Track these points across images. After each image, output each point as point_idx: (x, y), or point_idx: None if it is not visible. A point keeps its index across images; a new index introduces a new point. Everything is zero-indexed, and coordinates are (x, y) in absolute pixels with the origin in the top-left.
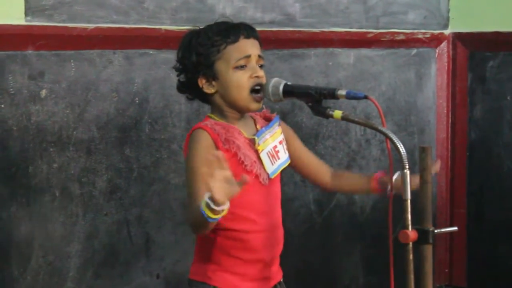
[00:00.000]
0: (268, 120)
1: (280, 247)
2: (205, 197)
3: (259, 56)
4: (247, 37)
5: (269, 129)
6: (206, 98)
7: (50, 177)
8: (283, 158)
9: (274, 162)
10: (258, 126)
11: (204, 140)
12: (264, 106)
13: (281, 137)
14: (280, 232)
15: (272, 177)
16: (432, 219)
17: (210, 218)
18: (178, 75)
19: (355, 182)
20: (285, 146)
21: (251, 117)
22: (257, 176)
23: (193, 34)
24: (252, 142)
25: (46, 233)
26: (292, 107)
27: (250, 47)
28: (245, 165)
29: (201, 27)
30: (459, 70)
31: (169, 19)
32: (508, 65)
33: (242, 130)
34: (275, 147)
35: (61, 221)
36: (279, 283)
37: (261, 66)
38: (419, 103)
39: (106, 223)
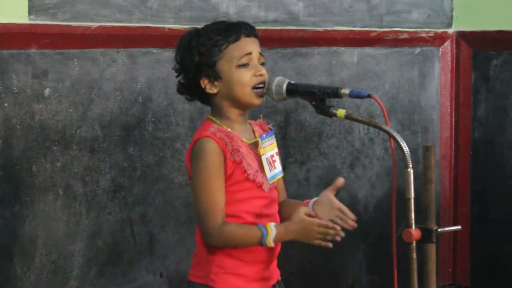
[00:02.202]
0: (263, 129)
1: (278, 247)
2: (272, 230)
3: (260, 53)
4: (248, 35)
5: (269, 137)
6: (206, 99)
7: (53, 175)
8: (279, 169)
9: (271, 170)
10: (256, 134)
11: (214, 150)
12: (261, 116)
13: (277, 149)
14: None
15: (270, 183)
16: (435, 218)
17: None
18: (177, 76)
19: (291, 210)
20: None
21: (249, 123)
22: (260, 185)
23: (192, 35)
24: (252, 147)
25: (50, 232)
26: (295, 106)
27: (251, 45)
28: (248, 174)
29: (198, 28)
30: (463, 69)
31: (173, 18)
32: None
33: (242, 136)
34: (272, 156)
35: (65, 220)
36: (278, 282)
37: (262, 64)
38: (423, 102)
39: (110, 221)
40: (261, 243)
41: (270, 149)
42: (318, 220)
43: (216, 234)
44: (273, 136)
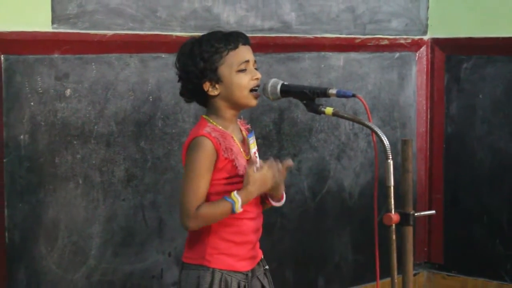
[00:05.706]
0: (245, 128)
1: (261, 231)
2: (238, 198)
3: (254, 60)
4: (244, 44)
5: (252, 136)
6: (205, 101)
7: (74, 166)
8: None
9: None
10: (244, 133)
11: (208, 148)
12: (242, 117)
13: (256, 147)
14: (261, 219)
15: None
16: (412, 204)
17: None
18: (178, 81)
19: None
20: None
21: (237, 123)
22: None
23: (193, 43)
24: (241, 146)
25: (71, 217)
26: (288, 104)
27: (247, 52)
28: (238, 170)
29: (197, 37)
30: (437, 72)
31: (179, 26)
32: (480, 67)
33: (234, 135)
34: (255, 153)
35: (84, 206)
36: (261, 260)
37: (256, 69)
38: (401, 101)
39: (124, 207)
40: (232, 211)
41: (253, 146)
42: (263, 165)
43: (194, 216)
44: (254, 136)
